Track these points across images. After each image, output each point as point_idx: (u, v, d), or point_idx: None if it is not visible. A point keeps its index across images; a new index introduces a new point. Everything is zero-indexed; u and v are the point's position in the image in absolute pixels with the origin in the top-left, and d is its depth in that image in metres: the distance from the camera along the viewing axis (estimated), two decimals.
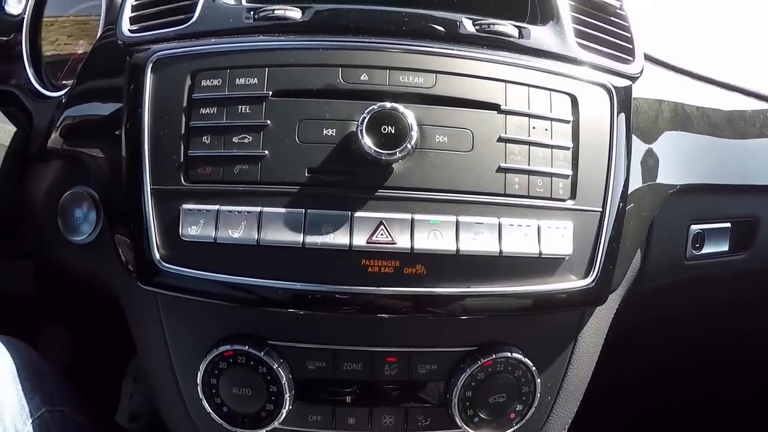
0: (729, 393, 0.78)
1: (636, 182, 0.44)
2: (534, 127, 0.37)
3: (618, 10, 0.47)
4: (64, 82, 0.57)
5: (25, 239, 0.52)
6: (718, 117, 0.55)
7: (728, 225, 0.57)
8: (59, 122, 0.48)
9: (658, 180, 0.47)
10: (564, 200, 0.36)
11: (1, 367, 0.46)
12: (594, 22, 0.44)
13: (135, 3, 0.42)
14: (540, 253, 0.34)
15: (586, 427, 0.52)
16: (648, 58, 0.52)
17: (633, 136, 0.43)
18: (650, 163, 0.47)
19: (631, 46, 0.44)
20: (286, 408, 0.36)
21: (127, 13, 0.42)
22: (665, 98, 0.50)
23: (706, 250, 0.55)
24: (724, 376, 0.76)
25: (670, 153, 0.50)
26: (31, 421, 0.45)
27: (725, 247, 0.57)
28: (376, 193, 0.33)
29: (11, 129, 0.51)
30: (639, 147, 0.46)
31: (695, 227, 0.54)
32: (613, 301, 0.46)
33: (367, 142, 0.32)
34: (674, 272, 0.53)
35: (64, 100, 0.49)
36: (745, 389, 0.77)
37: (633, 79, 0.43)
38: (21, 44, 0.56)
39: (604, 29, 0.44)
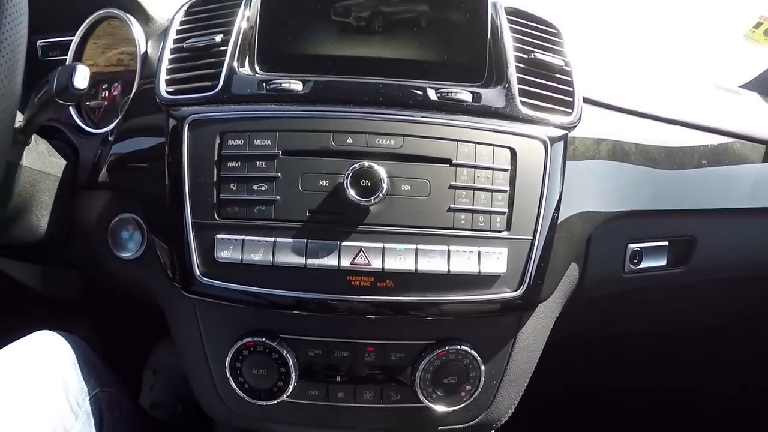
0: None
1: (569, 211, 0.62)
2: (478, 176, 0.55)
3: (563, 68, 0.65)
4: (102, 120, 0.76)
5: (74, 252, 0.72)
6: (657, 151, 0.72)
7: (666, 243, 0.75)
8: (108, 158, 0.68)
9: (593, 209, 0.65)
10: (501, 231, 0.55)
11: (65, 356, 0.66)
12: (538, 81, 0.62)
13: (169, 67, 0.62)
14: (479, 272, 0.53)
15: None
16: (592, 102, 0.71)
17: (572, 170, 0.62)
18: (586, 195, 0.65)
19: (570, 99, 0.62)
20: (292, 385, 0.56)
21: (163, 77, 0.61)
22: (605, 137, 0.69)
23: (644, 264, 0.73)
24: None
25: (608, 185, 0.68)
26: (88, 398, 0.65)
27: (663, 263, 0.75)
28: (357, 229, 0.53)
29: (62, 162, 0.71)
30: (576, 181, 0.64)
31: (633, 246, 0.73)
32: (553, 307, 0.65)
33: (351, 192, 0.52)
34: (613, 284, 0.72)
35: (111, 138, 0.68)
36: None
37: (570, 128, 0.61)
38: None
39: (548, 86, 0.62)
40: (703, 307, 0.87)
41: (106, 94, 0.76)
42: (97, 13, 0.74)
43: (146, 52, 0.70)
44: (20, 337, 0.65)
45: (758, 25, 0.98)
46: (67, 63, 0.78)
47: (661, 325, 0.88)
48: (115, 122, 0.68)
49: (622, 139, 0.69)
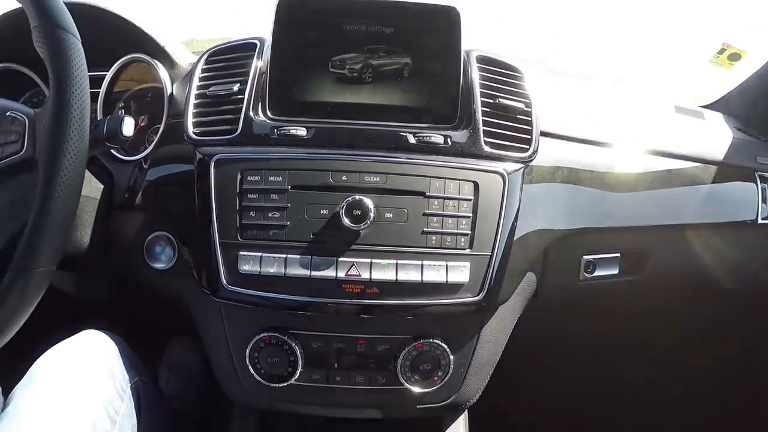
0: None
1: (525, 229, 0.83)
2: (447, 205, 0.77)
3: (524, 109, 0.86)
4: (131, 149, 0.95)
5: (112, 262, 0.94)
6: (610, 176, 0.93)
7: (617, 255, 0.97)
8: (143, 183, 0.90)
9: (548, 227, 0.86)
10: (464, 249, 0.77)
11: (109, 349, 0.87)
12: (501, 123, 0.83)
13: (194, 111, 0.84)
14: (447, 282, 0.75)
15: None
16: (550, 134, 0.92)
17: (530, 193, 0.83)
18: (542, 215, 0.86)
19: (529, 137, 0.83)
20: (299, 371, 0.78)
21: (190, 119, 0.83)
22: (561, 165, 0.89)
23: (597, 273, 0.95)
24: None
25: (563, 206, 0.89)
26: (130, 385, 0.87)
27: (615, 271, 0.96)
28: (350, 248, 0.74)
29: (99, 186, 0.93)
30: (534, 202, 0.84)
31: (587, 257, 0.94)
32: (512, 309, 0.86)
33: (345, 219, 0.73)
34: (569, 291, 0.93)
35: (145, 166, 0.90)
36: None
37: (526, 162, 0.83)
38: None
39: (509, 127, 0.83)
40: (659, 315, 1.10)
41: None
42: (128, 56, 0.96)
43: (172, 93, 0.92)
44: (65, 336, 0.88)
45: (722, 51, 1.19)
46: (100, 95, 0.99)
47: (619, 332, 1.12)
48: (147, 152, 0.90)
49: (576, 166, 0.90)
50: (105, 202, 0.89)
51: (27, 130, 0.72)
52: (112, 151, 0.94)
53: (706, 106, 1.26)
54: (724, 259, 1.02)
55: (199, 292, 0.81)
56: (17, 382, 0.80)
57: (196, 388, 1.11)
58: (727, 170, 1.03)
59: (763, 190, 1.05)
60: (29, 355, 0.82)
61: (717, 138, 1.08)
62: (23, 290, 0.68)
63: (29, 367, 0.82)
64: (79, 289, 1.02)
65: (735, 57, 1.23)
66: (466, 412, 0.92)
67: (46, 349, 0.84)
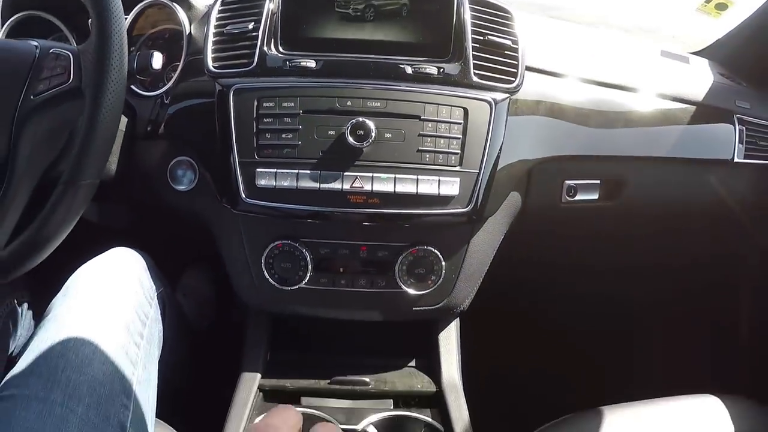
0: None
1: (510, 152, 1.01)
2: (439, 127, 0.96)
3: (511, 46, 1.05)
4: (151, 85, 1.13)
5: (136, 189, 1.14)
6: (590, 111, 1.12)
7: (598, 181, 1.16)
8: (165, 115, 1.09)
9: (531, 155, 1.06)
10: (455, 166, 0.96)
11: (137, 262, 1.07)
12: (489, 57, 1.01)
13: (213, 47, 1.03)
14: (439, 194, 0.94)
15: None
16: (535, 69, 1.11)
17: (515, 124, 1.02)
18: (525, 143, 1.05)
19: (515, 71, 1.02)
20: (309, 275, 0.99)
21: (210, 55, 1.02)
22: (544, 99, 1.09)
23: (578, 197, 1.14)
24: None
25: (545, 135, 1.09)
26: (156, 294, 1.07)
27: (595, 197, 1.16)
28: (354, 164, 0.93)
29: (123, 119, 1.12)
30: (518, 132, 1.04)
31: (569, 182, 1.13)
32: (499, 222, 1.06)
33: (350, 138, 0.93)
34: (551, 212, 1.13)
35: (167, 101, 1.10)
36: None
37: (512, 92, 1.02)
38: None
39: (496, 61, 1.01)
40: (637, 240, 1.31)
41: None
42: (147, 0, 1.16)
43: (190, 32, 1.12)
44: (94, 255, 1.08)
45: None
46: None
47: (600, 255, 1.33)
48: (167, 87, 1.09)
49: (558, 100, 1.09)
50: (129, 133, 1.08)
51: (72, 63, 0.90)
52: (132, 87, 1.13)
53: (693, 53, 1.45)
54: (699, 192, 1.22)
55: (218, 208, 1.01)
56: (54, 296, 1.00)
57: (208, 313, 1.32)
58: (706, 111, 1.20)
59: (741, 131, 1.21)
60: (64, 273, 1.02)
61: (699, 81, 1.26)
62: (72, 201, 0.86)
63: (64, 283, 1.02)
64: (103, 217, 1.22)
65: (722, 6, 1.41)
66: (457, 319, 1.14)
67: (79, 266, 1.04)
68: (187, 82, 1.08)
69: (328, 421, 0.99)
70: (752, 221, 1.28)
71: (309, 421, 0.99)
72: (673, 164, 1.18)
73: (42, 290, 1.05)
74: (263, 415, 0.62)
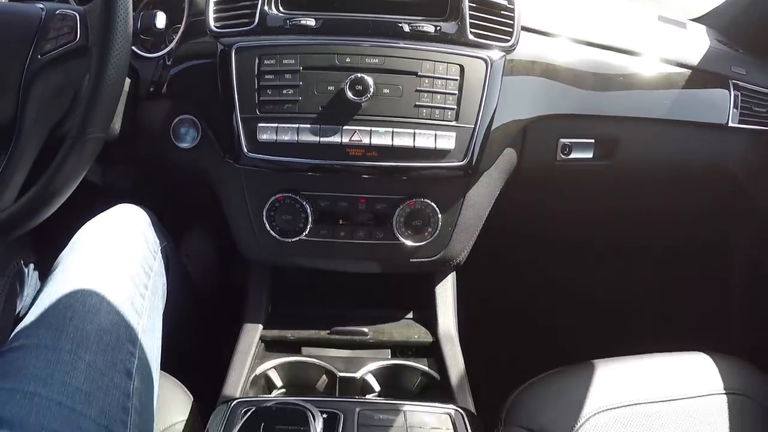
0: None
1: (505, 108, 1.07)
2: (436, 84, 1.03)
3: (507, 6, 1.12)
4: (153, 47, 1.19)
5: (139, 148, 1.21)
6: (585, 72, 1.18)
7: (592, 141, 1.23)
8: (168, 76, 1.17)
9: (525, 111, 1.13)
10: (451, 121, 1.03)
11: (142, 218, 1.13)
12: (485, 17, 1.08)
13: (215, 8, 1.09)
14: (435, 148, 1.02)
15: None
16: (531, 30, 1.18)
17: (510, 83, 1.09)
18: (520, 102, 1.12)
19: (510, 30, 1.09)
20: (309, 227, 1.06)
21: (211, 15, 1.09)
22: (539, 59, 1.16)
23: (573, 156, 1.21)
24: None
25: (539, 95, 1.15)
26: (160, 248, 1.15)
27: (590, 155, 1.23)
28: (353, 118, 1.01)
29: (127, 80, 1.20)
30: (513, 91, 1.11)
31: (564, 140, 1.20)
32: (494, 178, 1.13)
33: (349, 93, 1.00)
34: (546, 169, 1.20)
35: (169, 62, 1.17)
36: None
37: (508, 51, 1.10)
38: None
39: (492, 20, 1.08)
40: (631, 200, 1.39)
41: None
42: None
43: None
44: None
45: None
46: None
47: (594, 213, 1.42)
48: (170, 48, 1.16)
49: (554, 61, 1.16)
50: (132, 94, 1.15)
51: (79, 23, 0.96)
52: (135, 49, 1.20)
53: (691, 20, 1.52)
54: (693, 154, 1.29)
55: (220, 163, 1.09)
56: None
57: (211, 278, 1.40)
58: (701, 75, 1.26)
59: (736, 97, 1.27)
60: (69, 234, 1.09)
61: (695, 46, 1.32)
62: (80, 153, 0.92)
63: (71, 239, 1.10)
64: (107, 179, 1.30)
65: None
66: (454, 273, 1.22)
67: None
68: (188, 43, 1.15)
69: (328, 370, 1.07)
70: (746, 183, 1.35)
71: (310, 369, 1.09)
72: (667, 126, 1.24)
73: (48, 251, 1.12)
74: None
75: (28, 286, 1.22)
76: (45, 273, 1.15)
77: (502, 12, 1.10)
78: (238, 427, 0.86)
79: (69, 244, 1.06)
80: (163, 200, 1.26)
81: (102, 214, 1.12)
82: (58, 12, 0.98)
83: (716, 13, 1.52)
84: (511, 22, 1.09)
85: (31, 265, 1.23)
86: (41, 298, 0.95)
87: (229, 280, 1.56)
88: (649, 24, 1.38)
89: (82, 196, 1.00)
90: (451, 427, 0.89)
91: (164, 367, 1.03)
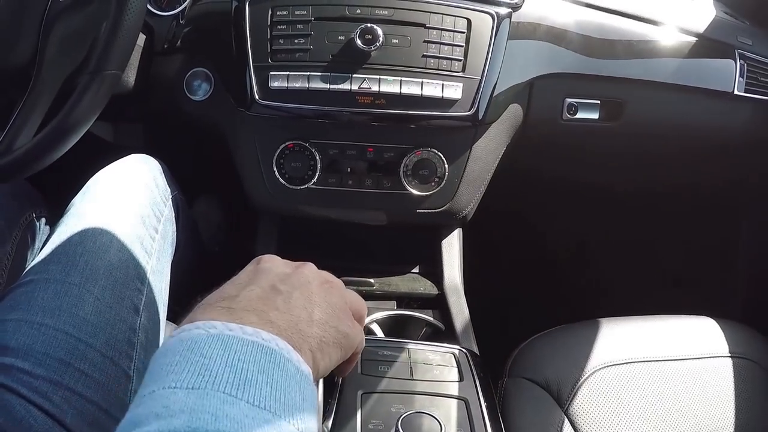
0: None
1: (512, 64, 1.12)
2: (443, 35, 1.07)
3: None
4: (167, 5, 1.25)
5: (153, 102, 1.26)
6: (591, 39, 1.21)
7: (598, 102, 1.27)
8: (182, 32, 1.21)
9: (530, 69, 1.17)
10: (458, 72, 1.07)
11: (153, 166, 1.17)
12: None
13: None
14: (442, 97, 1.05)
15: None
16: None
17: (516, 43, 1.14)
18: (526, 59, 1.16)
19: None
20: (317, 174, 1.10)
21: None
22: (544, 22, 1.20)
23: (579, 116, 1.25)
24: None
25: (546, 54, 1.19)
26: (171, 197, 1.18)
27: (595, 116, 1.27)
28: (363, 66, 1.05)
29: (142, 35, 1.25)
30: (519, 50, 1.15)
31: (569, 100, 1.24)
32: (501, 131, 1.16)
33: (359, 42, 1.03)
34: (552, 127, 1.23)
35: (182, 20, 1.22)
36: None
37: (514, 8, 1.14)
38: None
39: None
40: (638, 163, 1.42)
41: None
42: None
43: None
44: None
45: None
46: None
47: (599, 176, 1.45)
48: (183, 5, 1.21)
49: (560, 24, 1.19)
50: (147, 49, 1.20)
51: None
52: (149, 7, 1.25)
53: None
54: (699, 119, 1.32)
55: (232, 114, 1.13)
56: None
57: (220, 236, 1.44)
58: (708, 43, 1.29)
59: (741, 66, 1.30)
60: (82, 184, 1.13)
61: (702, 15, 1.36)
62: (98, 89, 0.95)
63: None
64: (119, 136, 1.35)
65: None
66: (460, 229, 1.25)
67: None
68: (201, 3, 1.20)
69: None
70: (752, 150, 1.38)
71: None
72: (673, 90, 1.27)
73: (59, 205, 1.16)
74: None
75: (39, 239, 1.26)
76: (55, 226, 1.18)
77: None
78: None
79: (82, 189, 1.09)
80: (173, 160, 1.30)
81: (114, 162, 1.16)
82: None
83: None
84: None
85: (43, 219, 1.27)
86: (52, 238, 0.98)
87: (237, 244, 1.60)
88: None
89: (94, 154, 1.04)
90: (455, 364, 0.91)
91: (169, 316, 1.07)
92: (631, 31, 1.25)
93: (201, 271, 1.33)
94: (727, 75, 1.30)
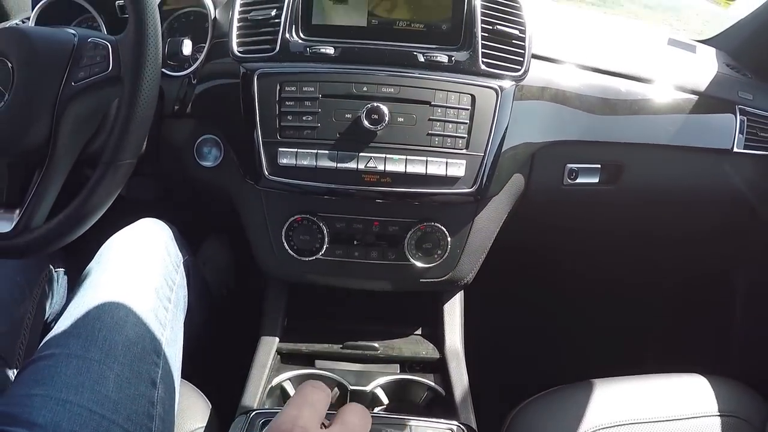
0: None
1: (514, 138, 1.17)
2: (448, 113, 1.10)
3: (518, 35, 1.18)
4: (177, 67, 1.27)
5: (163, 164, 1.29)
6: (593, 98, 1.23)
7: (598, 166, 1.30)
8: (192, 95, 1.25)
9: (533, 137, 1.20)
10: (462, 149, 1.10)
11: (164, 232, 1.22)
12: (497, 47, 1.14)
13: (238, 32, 1.17)
14: (446, 175, 1.09)
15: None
16: (542, 57, 1.25)
17: (520, 109, 1.15)
18: (529, 128, 1.19)
19: (521, 59, 1.15)
20: (325, 246, 1.14)
21: (235, 39, 1.16)
22: (549, 86, 1.22)
23: (579, 180, 1.28)
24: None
25: (549, 121, 1.23)
26: (182, 262, 1.23)
27: (596, 180, 1.30)
28: (369, 145, 1.08)
29: None
30: (523, 117, 1.17)
31: (570, 165, 1.27)
32: (503, 202, 1.20)
33: (365, 122, 1.07)
34: (553, 194, 1.27)
35: (194, 81, 1.25)
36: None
37: (518, 80, 1.16)
38: None
39: (504, 50, 1.14)
40: (636, 225, 1.47)
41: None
42: None
43: (215, 17, 1.27)
44: (124, 226, 1.24)
45: None
46: None
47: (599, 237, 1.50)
48: (194, 67, 1.24)
49: (563, 87, 1.23)
50: (158, 112, 1.23)
51: (111, 53, 1.02)
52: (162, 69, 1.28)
53: (702, 41, 1.59)
54: (698, 179, 1.35)
55: (242, 183, 1.16)
56: (86, 264, 1.15)
57: (227, 280, 1.49)
58: (708, 101, 1.32)
59: (742, 122, 1.32)
60: (95, 243, 1.18)
61: (703, 71, 1.37)
62: (112, 180, 1.00)
63: (96, 252, 1.17)
64: (132, 191, 1.39)
65: None
66: (462, 292, 1.30)
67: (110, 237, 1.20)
68: (212, 63, 1.23)
69: (340, 383, 1.15)
70: (756, 204, 1.41)
71: (323, 381, 1.17)
72: (671, 151, 1.30)
73: (75, 259, 1.21)
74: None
75: (57, 293, 1.31)
76: (72, 280, 1.23)
77: (513, 41, 1.16)
78: None
79: (95, 256, 1.14)
80: (183, 210, 1.34)
81: (126, 228, 1.20)
82: (90, 40, 1.05)
83: (725, 36, 1.59)
84: (523, 51, 1.16)
85: (61, 271, 1.32)
86: (70, 310, 1.03)
87: (246, 285, 1.64)
88: (658, 49, 1.45)
89: (108, 208, 1.07)
90: None
91: (184, 374, 1.11)
92: (632, 92, 1.28)
93: (211, 319, 1.38)
94: (727, 132, 1.33)
